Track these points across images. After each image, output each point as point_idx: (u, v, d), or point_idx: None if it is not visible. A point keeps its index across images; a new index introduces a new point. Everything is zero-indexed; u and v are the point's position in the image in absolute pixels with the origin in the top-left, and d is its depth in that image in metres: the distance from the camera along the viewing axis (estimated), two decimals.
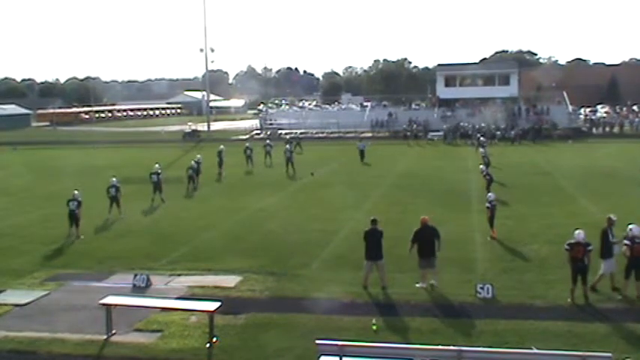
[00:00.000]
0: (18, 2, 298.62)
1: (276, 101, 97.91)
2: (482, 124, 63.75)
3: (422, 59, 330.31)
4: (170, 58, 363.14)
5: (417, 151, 54.85)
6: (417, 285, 16.09)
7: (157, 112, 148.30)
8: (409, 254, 16.28)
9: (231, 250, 20.90)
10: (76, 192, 23.60)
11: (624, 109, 79.54)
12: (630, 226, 15.35)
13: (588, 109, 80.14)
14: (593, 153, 48.95)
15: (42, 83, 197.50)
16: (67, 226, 23.08)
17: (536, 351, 11.25)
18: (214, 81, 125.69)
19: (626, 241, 15.18)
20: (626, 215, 21.69)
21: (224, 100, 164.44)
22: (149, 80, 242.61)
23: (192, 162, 35.14)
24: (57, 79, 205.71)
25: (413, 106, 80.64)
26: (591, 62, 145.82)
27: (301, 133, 67.25)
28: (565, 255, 15.13)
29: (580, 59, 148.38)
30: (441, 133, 64.79)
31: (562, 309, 14.62)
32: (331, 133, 71.86)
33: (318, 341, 10.96)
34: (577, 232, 15.08)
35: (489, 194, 22.44)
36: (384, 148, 55.57)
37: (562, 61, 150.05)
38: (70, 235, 22.93)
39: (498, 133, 61.48)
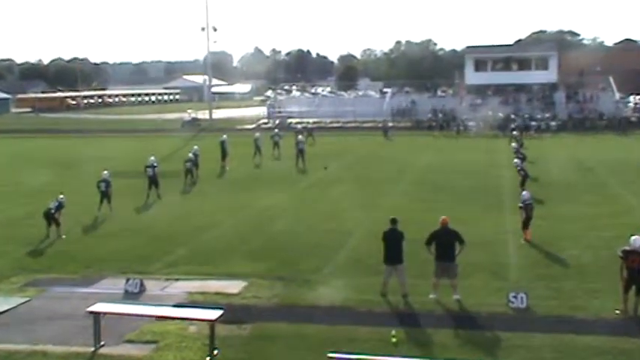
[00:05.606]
0: None
1: (286, 87, 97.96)
2: (520, 115, 63.41)
3: (449, 41, 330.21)
4: (168, 38, 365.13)
5: (443, 143, 54.68)
6: (430, 297, 15.97)
7: (153, 97, 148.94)
8: (431, 254, 16.21)
9: (234, 252, 20.97)
10: (61, 196, 23.72)
11: None
12: None
13: (638, 97, 79.54)
14: None
15: (22, 64, 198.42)
16: (46, 226, 23.13)
17: None
18: (217, 64, 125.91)
19: None
20: None
21: (228, 85, 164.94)
22: (144, 62, 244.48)
23: (190, 154, 35.31)
24: (40, 60, 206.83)
25: (438, 92, 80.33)
26: None
27: (314, 123, 67.21)
28: (618, 263, 14.94)
29: (629, 39, 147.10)
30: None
31: (606, 322, 14.52)
32: (347, 122, 71.94)
33: (330, 354, 10.98)
34: (633, 238, 14.82)
35: (524, 193, 22.33)
36: (405, 140, 55.50)
37: (608, 43, 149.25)
38: (49, 235, 22.99)
39: (534, 123, 61.14)
